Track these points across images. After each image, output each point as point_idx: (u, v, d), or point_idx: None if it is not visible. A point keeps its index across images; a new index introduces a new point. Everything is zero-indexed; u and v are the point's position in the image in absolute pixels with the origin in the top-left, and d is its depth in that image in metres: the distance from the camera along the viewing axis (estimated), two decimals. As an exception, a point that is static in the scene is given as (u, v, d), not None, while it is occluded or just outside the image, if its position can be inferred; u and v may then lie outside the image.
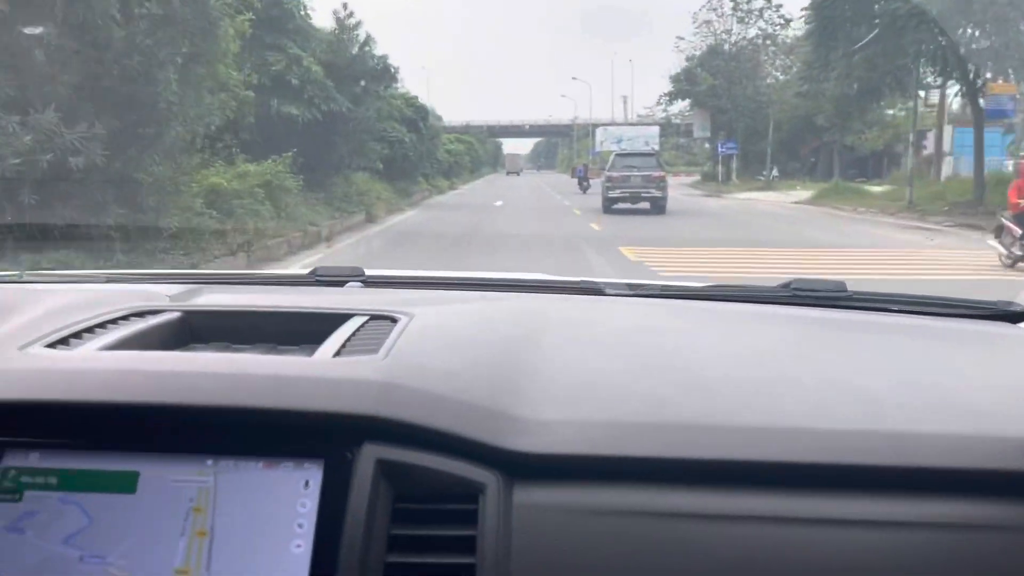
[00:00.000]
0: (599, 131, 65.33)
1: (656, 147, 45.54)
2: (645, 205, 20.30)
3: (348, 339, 1.07)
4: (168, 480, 0.85)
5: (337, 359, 1.00)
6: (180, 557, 0.81)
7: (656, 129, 60.82)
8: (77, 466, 0.86)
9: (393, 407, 0.88)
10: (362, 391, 0.90)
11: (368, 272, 1.54)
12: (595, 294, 1.46)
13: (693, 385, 0.99)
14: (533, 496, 0.86)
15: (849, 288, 1.42)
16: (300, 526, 0.82)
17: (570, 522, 0.84)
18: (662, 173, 21.01)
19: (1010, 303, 1.39)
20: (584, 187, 31.58)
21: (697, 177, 48.43)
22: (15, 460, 0.87)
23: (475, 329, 1.19)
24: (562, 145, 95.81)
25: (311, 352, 1.02)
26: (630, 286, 1.48)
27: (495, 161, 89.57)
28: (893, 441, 0.88)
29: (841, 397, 0.98)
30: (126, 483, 0.85)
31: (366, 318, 1.16)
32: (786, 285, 1.44)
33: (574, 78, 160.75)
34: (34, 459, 0.87)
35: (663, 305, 1.42)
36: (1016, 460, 0.87)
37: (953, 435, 0.90)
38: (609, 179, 20.93)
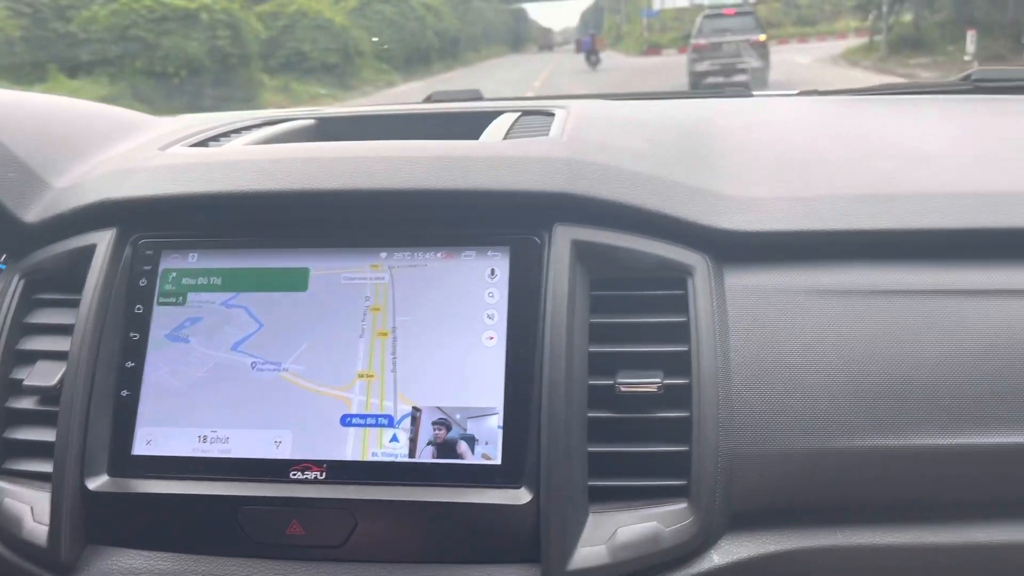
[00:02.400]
0: None
1: None
2: (742, 78, 15.55)
3: (511, 128, 0.99)
4: (340, 276, 0.81)
5: (509, 141, 0.92)
6: (363, 359, 0.78)
7: None
8: (241, 265, 0.82)
9: (585, 184, 0.81)
10: (549, 168, 0.82)
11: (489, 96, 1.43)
12: (743, 97, 1.38)
13: (914, 158, 0.91)
14: (748, 278, 0.80)
15: None
16: (490, 317, 0.78)
17: (790, 304, 0.78)
18: (762, 36, 16.73)
19: None
20: (593, 62, 27.15)
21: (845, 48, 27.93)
22: (174, 262, 0.83)
23: (647, 117, 1.10)
24: (611, 11, 67.81)
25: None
26: (781, 93, 1.45)
27: (514, 36, 62.62)
28: None
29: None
30: (296, 280, 0.81)
31: (518, 114, 1.08)
32: (966, 76, 1.37)
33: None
34: (193, 260, 0.83)
35: (828, 101, 1.30)
36: None
37: None
38: (695, 48, 16.55)
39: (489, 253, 0.80)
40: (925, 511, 0.77)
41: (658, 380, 0.76)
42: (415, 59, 26.02)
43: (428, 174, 0.82)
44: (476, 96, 1.45)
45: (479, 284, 0.79)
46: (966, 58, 17.56)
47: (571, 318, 0.76)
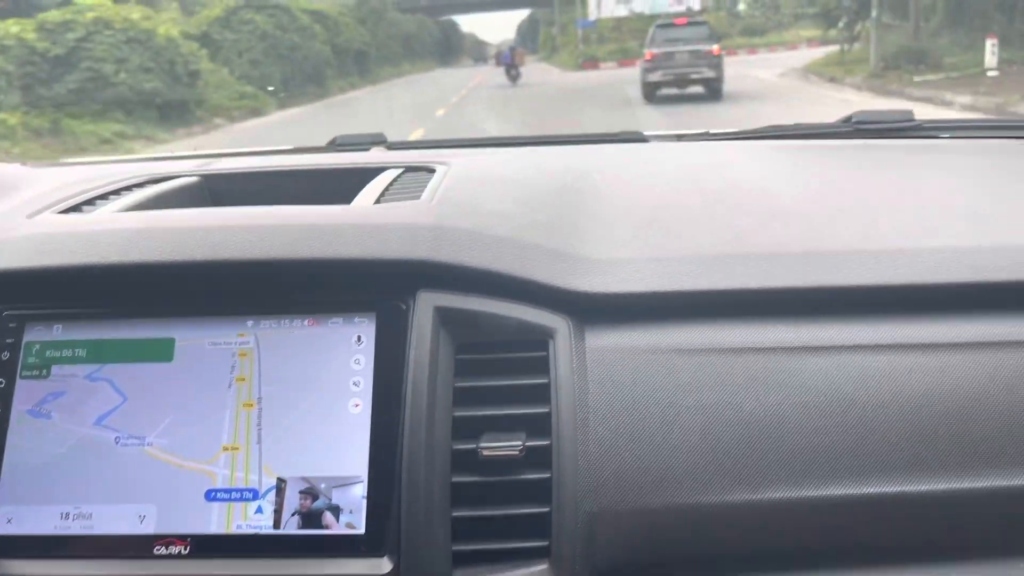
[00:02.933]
0: None
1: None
2: (697, 89, 15.95)
3: (386, 189, 1.01)
4: (206, 345, 0.80)
5: (379, 206, 0.94)
6: (227, 432, 0.77)
7: None
8: (106, 336, 0.82)
9: (448, 251, 0.83)
10: (413, 235, 0.84)
11: (393, 140, 1.49)
12: (638, 142, 1.40)
13: (772, 215, 0.94)
14: (607, 339, 0.82)
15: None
16: (356, 384, 0.78)
17: (650, 364, 0.80)
18: (716, 47, 16.09)
19: None
20: (513, 76, 26.00)
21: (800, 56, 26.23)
22: (37, 334, 0.83)
23: (523, 173, 1.12)
24: (547, 22, 61.52)
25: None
26: (676, 136, 1.44)
27: (446, 49, 60.58)
28: (1001, 255, 0.84)
29: (939, 216, 0.94)
30: (161, 351, 0.81)
31: (400, 170, 1.11)
32: (847, 119, 1.40)
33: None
34: (58, 332, 0.83)
35: (716, 146, 1.35)
36: None
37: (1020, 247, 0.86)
38: (648, 58, 16.17)
39: (356, 320, 0.81)
40: (784, 559, 0.79)
41: (519, 443, 0.76)
42: (302, 78, 21.28)
43: (293, 243, 0.83)
44: (380, 140, 1.47)
45: (345, 351, 0.80)
46: (990, 73, 13.46)
47: (433, 383, 0.77)
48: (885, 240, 0.89)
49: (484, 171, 1.11)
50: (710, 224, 0.93)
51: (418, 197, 0.95)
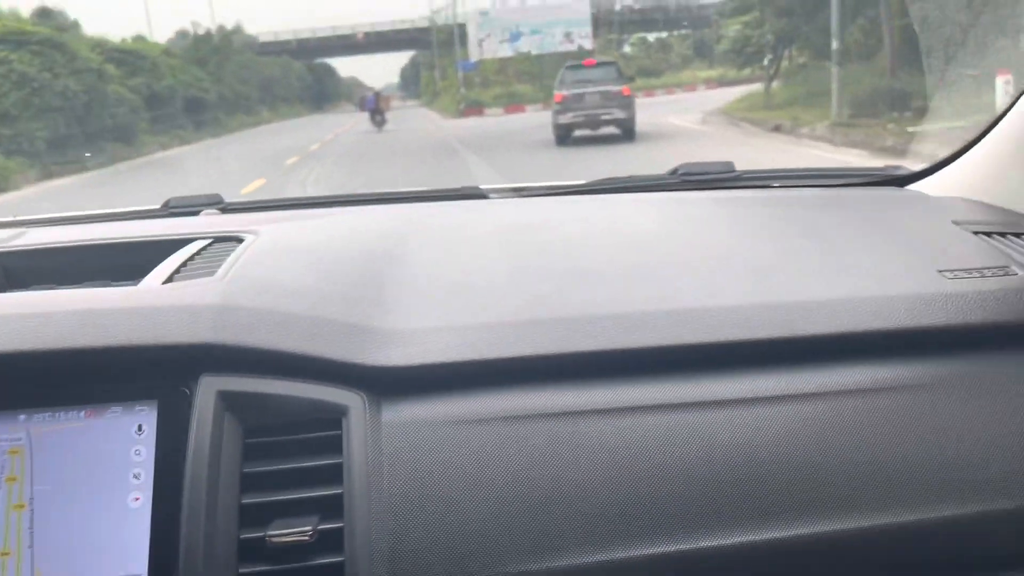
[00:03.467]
0: (477, 19, 34.63)
1: (585, 37, 33.16)
2: (610, 129, 15.32)
3: (183, 264, 0.99)
4: None
5: (166, 286, 0.92)
6: None
7: (585, 7, 34.15)
8: None
9: (232, 332, 0.81)
10: (194, 317, 0.82)
11: (230, 200, 1.44)
12: (477, 199, 1.41)
13: (576, 277, 0.96)
14: (404, 412, 0.82)
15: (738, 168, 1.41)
16: (137, 476, 0.76)
17: (447, 436, 0.80)
18: (625, 88, 15.67)
19: (897, 167, 1.45)
20: (378, 122, 24.90)
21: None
22: None
23: (335, 242, 1.11)
24: (428, 66, 56.25)
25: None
26: (515, 189, 1.46)
27: (320, 94, 54.78)
28: (784, 312, 0.88)
29: (730, 274, 0.96)
30: None
31: (209, 241, 1.08)
32: (674, 171, 1.45)
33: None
34: None
35: (550, 202, 1.38)
36: (904, 318, 0.88)
37: (841, 299, 0.90)
38: (558, 100, 15.56)
39: (137, 408, 0.78)
40: None
41: (309, 528, 0.75)
42: (89, 134, 16.03)
43: (67, 331, 0.80)
44: (215, 200, 1.43)
45: (125, 442, 0.77)
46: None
47: (215, 471, 0.75)
48: (680, 300, 0.91)
49: (294, 239, 1.10)
50: (518, 288, 0.94)
51: (212, 274, 0.93)
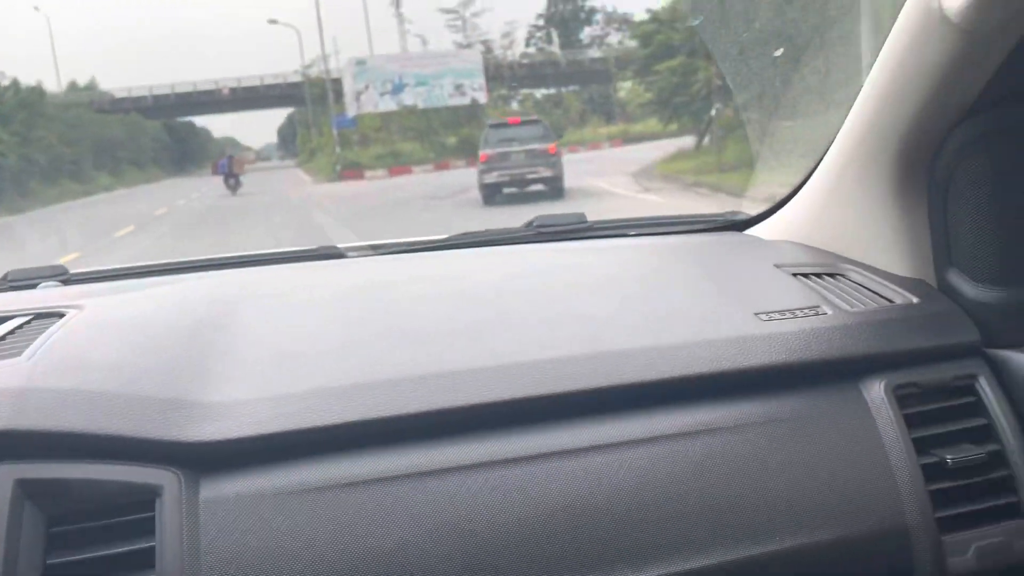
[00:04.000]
0: (352, 69, 30.15)
1: (480, 90, 30.53)
2: (538, 187, 15.30)
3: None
4: None
5: None
6: None
7: (478, 56, 31.58)
8: None
9: (34, 416, 0.78)
10: None
11: (76, 270, 1.36)
12: (333, 258, 1.38)
13: (411, 338, 0.96)
14: (223, 489, 0.79)
15: (589, 218, 1.46)
16: None
17: (268, 510, 0.78)
18: (551, 146, 15.44)
19: (736, 213, 1.51)
20: (232, 186, 23.23)
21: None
22: None
23: (163, 312, 1.07)
24: (304, 124, 53.39)
25: None
26: (373, 247, 1.44)
27: (182, 155, 48.13)
28: (612, 361, 0.90)
29: (564, 326, 0.98)
30: None
31: (28, 318, 1.04)
32: (529, 223, 1.47)
33: (272, 21, 57.83)
34: None
35: (405, 260, 1.37)
36: (722, 361, 0.92)
37: (666, 346, 0.93)
38: (483, 160, 15.50)
39: None
40: None
41: None
42: None
43: None
44: (59, 272, 1.34)
45: None
46: None
47: (12, 567, 0.72)
48: (512, 354, 0.91)
49: (120, 312, 1.06)
50: (348, 351, 0.92)
51: (20, 354, 0.90)
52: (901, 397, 0.95)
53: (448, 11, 36.18)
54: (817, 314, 1.01)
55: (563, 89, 43.60)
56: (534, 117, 19.91)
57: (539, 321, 0.99)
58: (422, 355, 0.91)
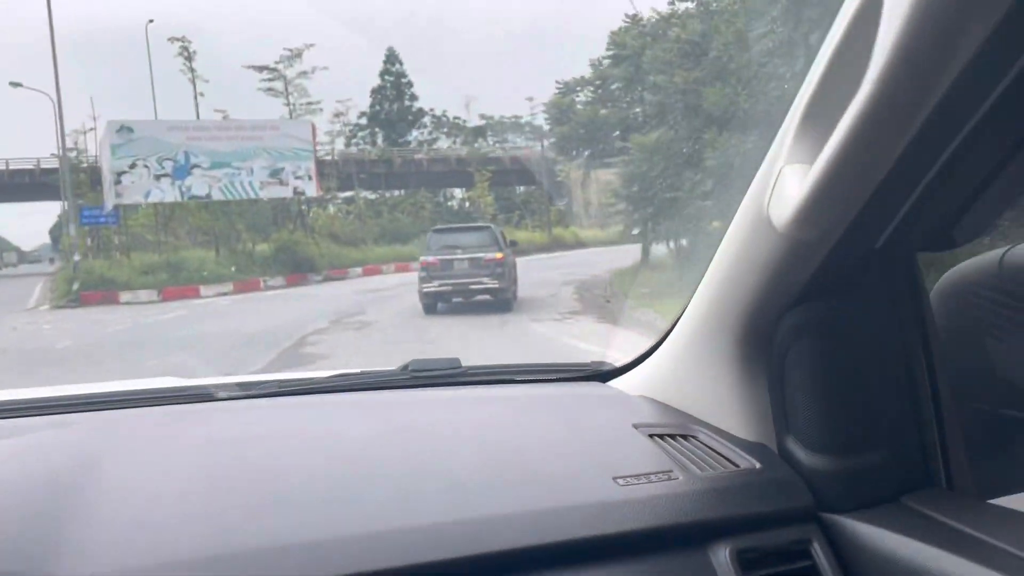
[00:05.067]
0: (113, 139, 20.84)
1: (307, 178, 23.77)
2: (485, 298, 14.12)
3: None
4: None
5: None
6: None
7: (307, 130, 24.10)
8: None
9: None
10: None
11: None
12: (203, 400, 1.30)
13: (273, 501, 0.94)
14: None
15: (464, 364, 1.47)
16: None
17: None
18: (500, 254, 14.23)
19: (601, 363, 1.53)
20: None
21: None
22: None
23: (9, 468, 1.02)
24: (70, 216, 36.58)
25: None
26: (242, 385, 1.36)
27: None
28: (475, 528, 0.91)
29: (430, 489, 0.98)
30: None
31: None
32: (405, 367, 1.46)
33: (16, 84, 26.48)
34: None
35: (278, 405, 1.31)
36: (580, 528, 0.93)
37: (527, 512, 0.95)
38: (423, 266, 14.35)
39: None
40: None
41: None
42: None
43: None
44: None
45: None
46: None
47: None
48: (377, 521, 0.91)
49: None
50: (208, 518, 0.90)
51: None
52: (744, 562, 0.97)
53: (263, 68, 27.91)
54: (669, 479, 1.05)
55: (394, 193, 37.30)
56: (483, 223, 19.34)
57: (408, 483, 0.99)
58: (284, 522, 0.89)
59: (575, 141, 22.31)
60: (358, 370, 1.48)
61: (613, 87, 21.14)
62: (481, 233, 15.34)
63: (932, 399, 1.03)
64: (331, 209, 32.70)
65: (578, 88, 24.72)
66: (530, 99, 48.81)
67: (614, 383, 1.47)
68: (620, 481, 1.02)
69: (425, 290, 14.09)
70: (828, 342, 1.02)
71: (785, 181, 0.89)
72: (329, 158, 32.37)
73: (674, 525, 0.97)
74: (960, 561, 0.84)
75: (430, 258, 14.33)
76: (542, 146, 36.16)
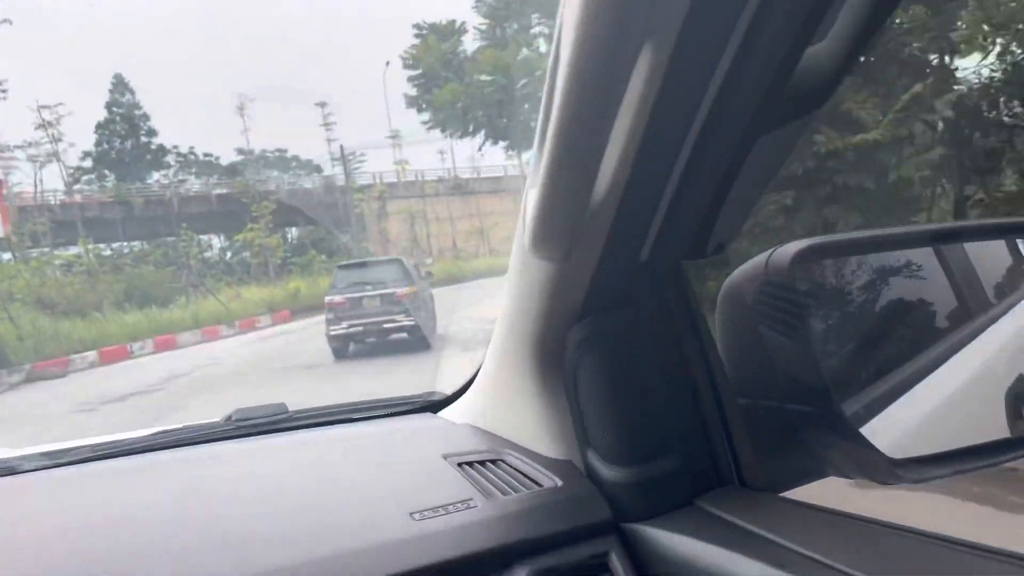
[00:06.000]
0: None
1: None
2: (401, 336, 13.25)
3: None
4: None
5: None
6: None
7: None
8: None
9: None
10: None
11: None
12: (3, 475, 1.22)
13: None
14: None
15: (290, 408, 1.47)
16: None
17: None
18: (409, 288, 13.47)
19: (432, 393, 1.56)
20: None
21: None
22: None
23: None
24: None
25: None
26: (50, 454, 1.29)
27: None
28: None
29: (206, 551, 0.95)
30: None
31: None
32: (228, 417, 1.43)
33: None
34: None
35: (85, 474, 1.23)
36: (375, 569, 0.91)
37: (322, 558, 0.92)
38: (330, 307, 13.46)
39: None
40: None
41: None
42: None
43: None
44: None
45: None
46: None
47: None
48: None
49: None
50: None
51: None
52: None
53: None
54: (468, 507, 1.04)
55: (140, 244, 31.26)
56: (390, 257, 18.06)
57: (187, 547, 0.96)
58: None
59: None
60: (180, 425, 1.43)
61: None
62: (390, 267, 14.44)
63: (716, 401, 1.04)
64: (38, 264, 23.76)
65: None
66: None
67: (444, 413, 1.48)
68: (416, 516, 1.01)
69: (333, 332, 13.12)
70: (609, 354, 1.03)
71: (527, 204, 0.90)
72: (33, 196, 25.07)
73: (469, 555, 0.96)
74: (746, 560, 0.86)
75: (336, 297, 13.36)
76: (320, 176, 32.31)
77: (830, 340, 1.10)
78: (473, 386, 1.42)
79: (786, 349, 1.04)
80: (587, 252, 0.92)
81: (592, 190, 0.84)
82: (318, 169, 41.39)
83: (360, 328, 13.18)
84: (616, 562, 0.99)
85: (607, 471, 1.05)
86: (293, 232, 37.09)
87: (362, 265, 15.31)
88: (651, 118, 0.77)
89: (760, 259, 1.06)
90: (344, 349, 13.37)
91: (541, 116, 0.83)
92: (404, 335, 13.28)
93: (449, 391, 1.53)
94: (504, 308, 1.16)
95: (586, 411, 1.07)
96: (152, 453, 1.31)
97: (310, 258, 31.26)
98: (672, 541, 0.96)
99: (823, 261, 1.10)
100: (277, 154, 43.66)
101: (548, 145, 0.79)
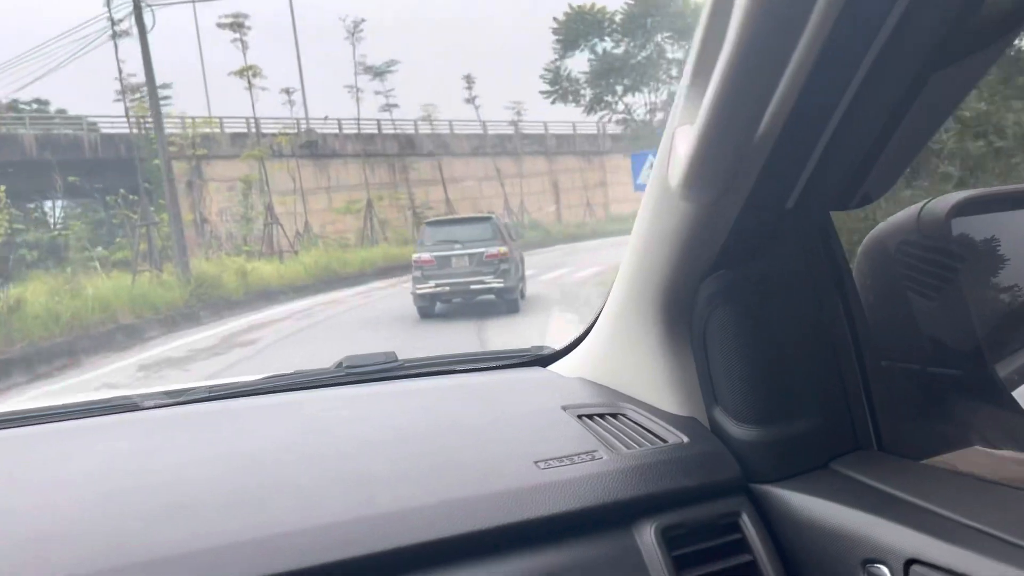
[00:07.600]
0: None
1: None
2: (488, 298, 12.64)
3: None
4: None
5: None
6: None
7: None
8: None
9: None
10: None
11: None
12: (126, 411, 1.27)
13: (171, 509, 0.91)
14: None
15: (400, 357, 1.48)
16: None
17: None
18: (503, 249, 12.66)
19: (541, 347, 1.55)
20: None
21: None
22: None
23: None
24: None
25: None
26: (169, 394, 1.33)
27: None
28: (383, 524, 0.88)
29: (336, 487, 0.96)
30: None
31: None
32: (339, 364, 1.45)
33: None
34: None
35: (202, 412, 1.27)
36: (498, 515, 0.90)
37: (441, 502, 0.92)
38: (417, 264, 12.82)
39: None
40: None
41: None
42: None
43: None
44: None
45: None
46: None
47: None
48: (275, 524, 0.88)
49: None
50: (100, 529, 0.88)
51: None
52: (671, 539, 0.95)
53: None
54: (593, 459, 1.03)
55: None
56: (483, 213, 16.95)
57: (315, 483, 0.96)
58: (184, 529, 0.87)
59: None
60: (291, 371, 1.45)
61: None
62: (482, 225, 13.59)
63: (857, 361, 1.00)
64: None
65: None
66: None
67: (554, 367, 1.46)
68: (541, 465, 1.00)
69: (420, 291, 12.56)
70: (745, 308, 0.99)
71: (677, 143, 0.86)
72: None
73: (596, 506, 0.95)
74: (889, 524, 0.83)
75: (424, 255, 12.73)
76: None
77: (985, 301, 1.04)
78: (586, 341, 1.40)
79: (934, 308, 0.99)
80: (734, 195, 0.88)
81: (758, 127, 0.79)
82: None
83: (447, 288, 12.73)
84: (747, 523, 0.97)
85: (737, 429, 1.02)
86: (53, 207, 25.33)
87: (452, 222, 14.72)
88: (824, 47, 0.71)
89: (911, 212, 1.00)
90: (430, 309, 12.90)
91: (696, 50, 0.78)
92: (491, 297, 12.87)
93: (559, 346, 1.52)
94: (629, 258, 1.13)
95: (716, 367, 1.04)
96: (265, 396, 1.33)
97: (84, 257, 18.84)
98: (807, 503, 0.93)
99: (981, 215, 1.02)
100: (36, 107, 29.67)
101: (716, 77, 0.73)
